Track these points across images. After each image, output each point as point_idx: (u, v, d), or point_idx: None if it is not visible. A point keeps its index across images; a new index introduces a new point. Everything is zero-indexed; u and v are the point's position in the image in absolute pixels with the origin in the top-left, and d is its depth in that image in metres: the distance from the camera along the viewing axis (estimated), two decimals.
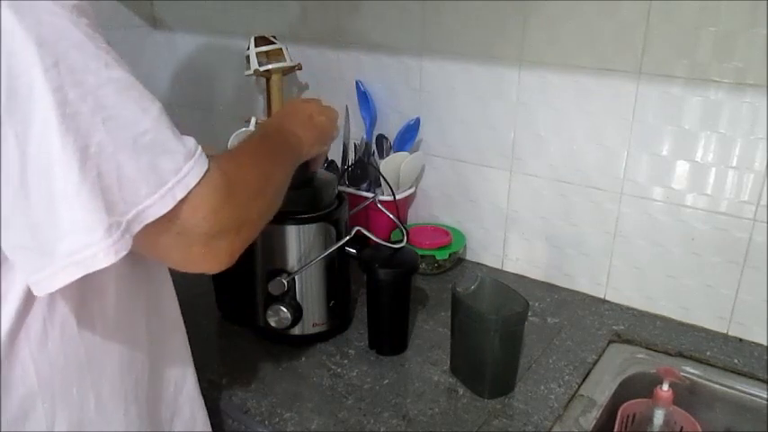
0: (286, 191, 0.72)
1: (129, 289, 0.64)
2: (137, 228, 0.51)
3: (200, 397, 0.79)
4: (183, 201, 0.53)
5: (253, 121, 1.34)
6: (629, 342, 1.02)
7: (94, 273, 0.51)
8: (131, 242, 0.51)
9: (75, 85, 0.48)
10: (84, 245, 0.49)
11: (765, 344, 1.01)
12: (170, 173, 0.52)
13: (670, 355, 0.99)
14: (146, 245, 0.55)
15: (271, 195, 0.67)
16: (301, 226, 0.92)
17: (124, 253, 0.51)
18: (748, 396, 0.93)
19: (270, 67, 1.27)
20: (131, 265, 0.62)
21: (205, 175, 0.55)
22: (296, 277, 0.94)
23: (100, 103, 0.49)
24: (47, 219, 0.49)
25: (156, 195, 0.51)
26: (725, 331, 1.04)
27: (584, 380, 0.92)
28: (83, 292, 0.59)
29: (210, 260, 0.57)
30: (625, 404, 0.88)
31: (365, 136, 1.27)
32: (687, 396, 0.93)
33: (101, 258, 0.50)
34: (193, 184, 0.53)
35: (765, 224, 0.96)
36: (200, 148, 0.56)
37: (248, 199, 0.61)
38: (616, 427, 0.86)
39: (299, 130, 0.80)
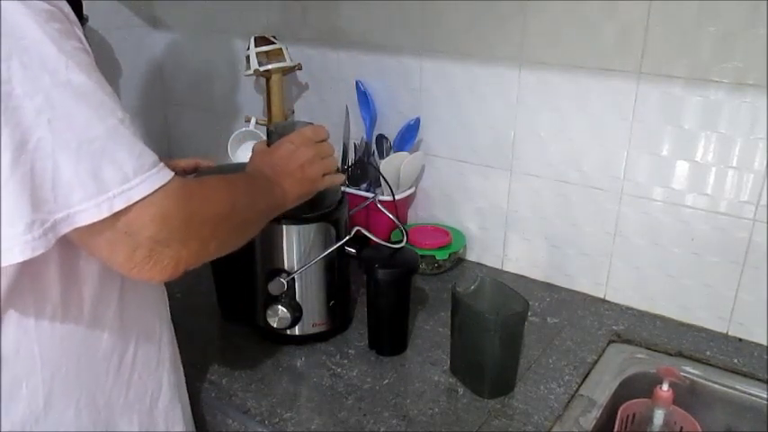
0: (256, 233, 0.73)
1: (96, 292, 0.64)
2: (65, 229, 0.52)
3: (180, 410, 0.78)
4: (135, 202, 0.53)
5: (253, 121, 1.35)
6: (629, 342, 1.02)
7: (53, 264, 0.52)
8: (53, 241, 0.52)
9: (26, 80, 0.49)
10: (2, 237, 0.50)
11: (765, 344, 1.01)
12: (114, 183, 0.52)
13: (670, 355, 0.99)
14: (90, 244, 0.56)
15: (234, 225, 0.67)
16: (301, 226, 0.92)
17: (42, 251, 0.51)
18: (748, 396, 0.93)
19: (270, 67, 1.27)
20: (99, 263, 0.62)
21: (163, 185, 0.55)
22: (296, 277, 0.94)
23: (50, 102, 0.50)
24: None
25: (92, 202, 0.52)
26: (725, 331, 1.04)
27: (584, 380, 0.92)
28: (43, 286, 0.59)
29: (153, 267, 0.57)
30: (625, 404, 0.88)
31: (365, 136, 1.27)
32: (687, 396, 0.93)
33: (16, 253, 0.50)
34: (137, 198, 0.53)
35: (765, 224, 0.96)
36: (160, 164, 0.56)
37: (205, 217, 0.61)
38: (616, 427, 0.86)
39: (285, 184, 0.79)
